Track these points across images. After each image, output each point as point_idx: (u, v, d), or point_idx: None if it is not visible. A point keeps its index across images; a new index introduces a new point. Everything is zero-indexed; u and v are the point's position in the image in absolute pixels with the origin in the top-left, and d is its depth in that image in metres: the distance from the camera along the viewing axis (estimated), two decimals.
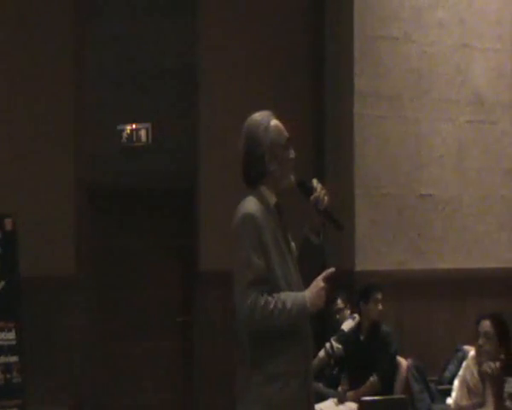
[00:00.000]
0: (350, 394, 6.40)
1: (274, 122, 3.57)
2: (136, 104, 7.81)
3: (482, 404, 5.39)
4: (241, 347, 3.50)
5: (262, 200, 3.50)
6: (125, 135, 7.88)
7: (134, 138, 7.89)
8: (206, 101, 7.81)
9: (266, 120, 3.56)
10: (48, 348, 7.35)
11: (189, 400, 7.83)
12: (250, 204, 3.46)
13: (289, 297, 3.40)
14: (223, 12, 7.84)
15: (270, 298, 3.36)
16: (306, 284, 3.50)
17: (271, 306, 3.35)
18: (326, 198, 3.55)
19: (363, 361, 6.42)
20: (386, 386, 6.41)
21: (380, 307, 6.56)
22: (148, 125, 7.86)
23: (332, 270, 3.50)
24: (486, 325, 5.44)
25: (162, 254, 7.91)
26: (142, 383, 7.79)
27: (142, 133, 7.87)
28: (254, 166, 3.52)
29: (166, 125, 7.86)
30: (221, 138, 7.40)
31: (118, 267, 7.79)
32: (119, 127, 7.87)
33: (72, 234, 7.57)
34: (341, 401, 6.38)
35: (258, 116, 3.58)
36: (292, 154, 3.58)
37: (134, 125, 7.87)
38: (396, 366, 6.50)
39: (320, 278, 3.48)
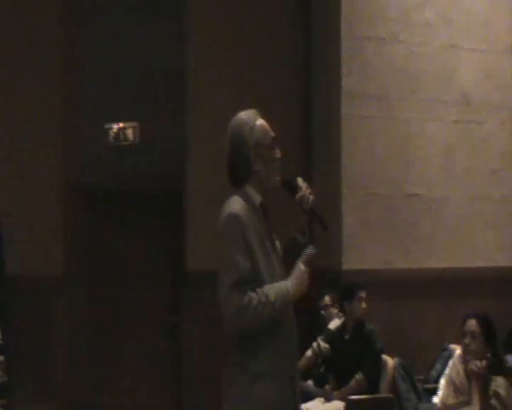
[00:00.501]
0: (336, 392, 6.41)
1: (259, 121, 3.57)
2: (123, 103, 7.80)
3: (468, 402, 5.40)
4: (226, 346, 3.50)
5: (247, 199, 3.51)
6: (112, 134, 7.86)
7: (121, 137, 7.88)
8: (194, 100, 7.81)
9: (252, 119, 3.56)
10: (35, 347, 7.34)
11: (177, 399, 7.82)
12: (235, 204, 3.46)
13: (272, 289, 3.41)
14: (211, 12, 7.83)
15: (253, 294, 3.37)
16: None
17: (255, 302, 3.35)
18: (311, 197, 3.56)
19: (348, 360, 6.41)
20: (373, 385, 6.40)
21: (364, 305, 6.53)
22: (135, 124, 7.85)
23: (311, 251, 3.51)
24: (472, 324, 5.44)
25: (150, 254, 7.89)
26: (131, 383, 7.78)
27: (130, 132, 7.86)
28: (240, 166, 3.52)
29: (154, 125, 7.85)
30: (209, 138, 7.38)
31: (106, 267, 7.78)
32: (107, 126, 7.85)
33: (60, 234, 7.56)
34: (328, 399, 6.39)
35: (244, 115, 3.58)
36: (277, 153, 3.59)
37: (121, 124, 7.86)
38: (382, 365, 6.50)
39: (300, 261, 3.50)
